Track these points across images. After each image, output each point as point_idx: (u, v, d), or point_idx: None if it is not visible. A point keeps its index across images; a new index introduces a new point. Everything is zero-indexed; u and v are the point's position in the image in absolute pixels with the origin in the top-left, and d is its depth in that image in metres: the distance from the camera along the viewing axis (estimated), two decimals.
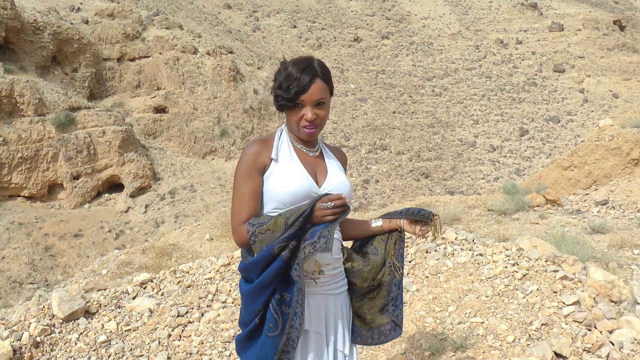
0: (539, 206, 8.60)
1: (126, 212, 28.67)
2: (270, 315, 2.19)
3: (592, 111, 49.56)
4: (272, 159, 2.29)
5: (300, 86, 2.19)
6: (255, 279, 2.19)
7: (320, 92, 2.24)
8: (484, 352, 3.69)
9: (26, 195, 27.04)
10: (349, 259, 2.43)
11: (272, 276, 2.15)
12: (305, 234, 2.15)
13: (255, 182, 2.26)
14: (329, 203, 2.13)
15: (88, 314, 4.68)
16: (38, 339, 4.25)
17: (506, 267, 4.58)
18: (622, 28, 64.18)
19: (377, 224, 2.50)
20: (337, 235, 2.38)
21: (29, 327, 4.36)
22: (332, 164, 2.42)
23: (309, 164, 2.34)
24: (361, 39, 63.17)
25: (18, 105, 26.59)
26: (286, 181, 2.24)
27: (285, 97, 2.21)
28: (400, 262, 2.51)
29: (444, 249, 5.18)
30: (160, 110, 36.46)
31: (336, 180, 2.34)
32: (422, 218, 2.42)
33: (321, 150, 2.44)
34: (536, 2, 72.99)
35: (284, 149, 2.33)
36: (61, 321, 4.50)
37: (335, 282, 2.39)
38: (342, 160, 2.53)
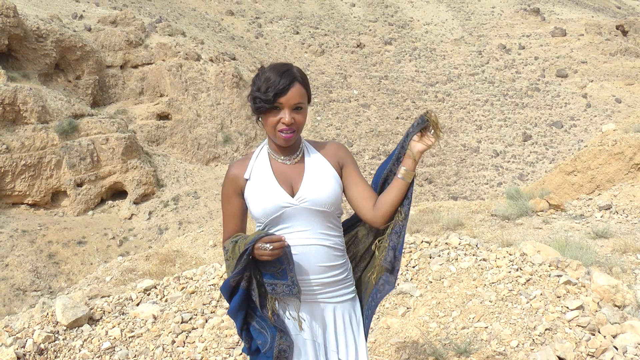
0: (542, 211, 8.59)
1: (130, 219, 28.71)
2: (262, 335, 2.30)
3: (595, 116, 49.48)
4: (246, 179, 2.35)
5: (279, 88, 2.19)
6: (229, 303, 2.32)
7: (299, 96, 2.24)
8: (487, 357, 3.68)
9: (29, 202, 27.10)
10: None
11: (238, 304, 2.27)
12: (259, 263, 2.25)
13: (234, 204, 2.39)
14: (267, 245, 2.15)
15: (92, 320, 4.69)
16: (42, 346, 4.26)
17: (510, 272, 4.58)
18: (624, 33, 64.13)
19: (402, 172, 2.30)
20: (330, 242, 2.35)
21: (32, 334, 4.37)
22: (313, 167, 2.36)
23: (284, 174, 2.33)
24: (364, 45, 63.26)
25: (21, 112, 26.67)
26: (257, 198, 2.30)
27: (263, 99, 2.20)
28: (405, 207, 2.34)
29: (448, 254, 5.18)
30: (163, 117, 36.55)
31: (313, 187, 2.30)
32: (423, 124, 2.25)
33: (302, 155, 2.39)
34: (539, 8, 73.03)
35: (260, 164, 2.36)
36: (65, 328, 4.51)
37: (334, 290, 2.36)
38: (333, 153, 2.43)
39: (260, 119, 2.30)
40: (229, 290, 2.27)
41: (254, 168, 2.36)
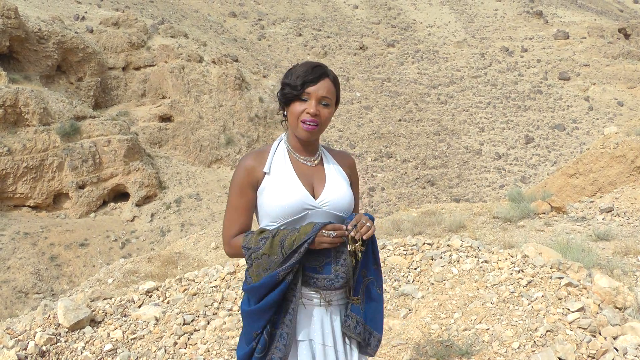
0: (544, 213, 8.59)
1: (132, 221, 28.74)
2: (263, 339, 2.23)
3: (597, 119, 49.44)
4: (264, 173, 2.28)
5: (309, 78, 2.21)
6: (256, 302, 2.23)
7: (328, 91, 2.25)
8: (489, 359, 3.69)
9: (31, 205, 27.12)
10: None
11: (275, 300, 2.19)
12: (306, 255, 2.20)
13: (248, 197, 2.29)
14: (332, 232, 2.14)
15: (94, 322, 4.70)
16: (44, 348, 4.27)
17: (511, 274, 4.58)
18: (627, 36, 64.12)
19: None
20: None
21: (34, 336, 4.38)
22: (332, 172, 2.36)
23: (306, 175, 2.31)
24: (367, 47, 63.31)
25: (23, 114, 26.70)
26: (279, 195, 2.23)
27: (292, 86, 2.21)
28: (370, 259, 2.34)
29: (450, 256, 5.19)
30: (165, 119, 36.61)
31: (334, 191, 2.30)
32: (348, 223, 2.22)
33: (321, 158, 2.39)
34: (541, 10, 73.04)
35: (279, 160, 2.32)
36: (67, 330, 4.52)
37: (338, 294, 2.35)
38: (348, 165, 2.46)
39: (285, 112, 2.30)
40: (271, 286, 2.18)
41: (273, 162, 2.31)
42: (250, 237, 2.24)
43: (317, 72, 2.23)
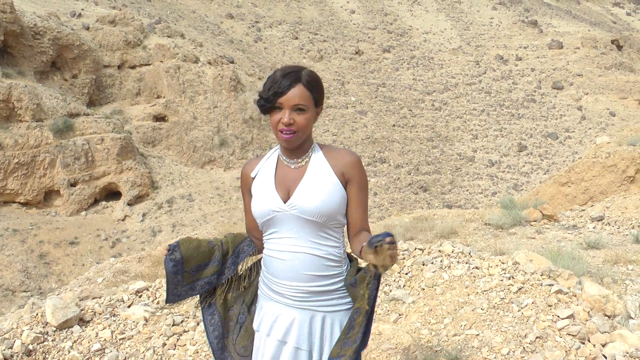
0: (535, 221, 8.62)
1: (123, 220, 28.62)
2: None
3: (590, 128, 49.77)
4: (252, 178, 2.43)
5: (278, 88, 2.20)
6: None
7: (300, 97, 2.21)
8: None
9: (22, 201, 26.95)
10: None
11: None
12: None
13: (247, 200, 2.48)
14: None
15: (82, 322, 4.66)
16: (30, 347, 4.22)
17: (502, 280, 4.59)
18: (619, 48, 64.66)
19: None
20: (322, 251, 2.28)
21: (21, 334, 4.33)
22: (312, 174, 2.30)
23: (284, 178, 2.32)
24: (362, 52, 63.47)
25: (16, 110, 26.57)
26: (255, 199, 2.37)
27: (264, 98, 2.23)
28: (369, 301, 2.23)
29: (441, 261, 5.19)
30: (159, 118, 36.52)
31: (305, 197, 2.24)
32: (376, 243, 2.03)
33: (309, 160, 2.34)
34: (536, 20, 73.50)
35: (268, 164, 2.40)
36: (55, 329, 4.47)
37: (325, 300, 2.31)
38: (343, 164, 2.31)
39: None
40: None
41: (261, 168, 2.42)
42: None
43: (288, 79, 2.21)
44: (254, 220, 2.42)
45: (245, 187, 2.46)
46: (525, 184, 41.53)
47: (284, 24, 67.81)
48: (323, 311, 2.32)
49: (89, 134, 28.79)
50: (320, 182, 2.27)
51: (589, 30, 71.94)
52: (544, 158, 46.03)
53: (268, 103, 2.23)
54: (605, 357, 3.63)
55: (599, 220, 8.61)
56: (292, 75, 2.23)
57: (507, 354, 3.71)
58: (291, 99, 2.21)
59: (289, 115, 2.21)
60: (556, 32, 68.96)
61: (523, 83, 58.89)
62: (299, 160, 2.34)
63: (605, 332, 3.84)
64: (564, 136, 49.37)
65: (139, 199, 29.81)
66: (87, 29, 37.14)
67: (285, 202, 2.28)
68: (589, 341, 3.79)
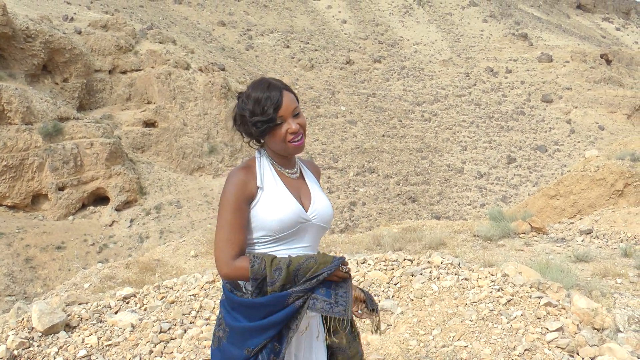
0: (524, 233, 8.66)
1: (111, 225, 28.41)
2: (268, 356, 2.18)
3: (579, 142, 50.21)
4: (258, 187, 2.23)
5: (274, 102, 2.17)
6: (258, 319, 2.17)
7: (293, 101, 2.23)
8: None
9: (9, 204, 26.69)
10: (335, 332, 2.28)
11: (279, 321, 2.15)
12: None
13: (244, 213, 2.20)
14: (345, 267, 2.21)
15: (69, 327, 4.61)
16: (15, 352, 4.17)
17: (491, 292, 4.60)
18: (608, 62, 65.41)
19: None
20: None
21: (6, 339, 4.27)
22: (313, 185, 2.38)
23: (294, 188, 2.30)
24: (353, 62, 63.73)
25: (5, 112, 26.38)
26: (275, 210, 2.20)
27: (265, 120, 2.17)
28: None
29: (430, 272, 5.19)
30: (149, 124, 36.39)
31: (321, 205, 2.31)
32: (371, 307, 2.41)
33: (301, 170, 2.39)
34: (527, 33, 74.21)
35: (267, 174, 2.28)
36: (40, 334, 4.42)
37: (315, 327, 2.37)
38: (317, 174, 2.50)
39: (262, 140, 2.29)
40: (277, 307, 2.14)
41: (264, 176, 2.28)
42: (258, 266, 2.16)
43: (275, 91, 2.20)
44: (246, 238, 2.23)
45: (246, 197, 2.21)
46: (514, 196, 41.75)
47: (275, 33, 67.98)
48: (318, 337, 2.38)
49: (78, 138, 28.61)
50: (321, 191, 2.37)
51: (579, 44, 72.75)
52: (532, 170, 46.33)
53: (272, 121, 2.18)
54: None
55: (587, 234, 8.66)
56: (273, 86, 2.22)
57: None
58: (289, 106, 2.21)
59: (294, 122, 2.22)
60: (546, 46, 69.66)
61: (512, 95, 59.36)
62: (294, 169, 2.35)
63: (594, 345, 3.85)
64: (553, 149, 49.76)
65: (127, 204, 29.62)
66: (79, 33, 37.02)
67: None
68: (578, 354, 3.79)
